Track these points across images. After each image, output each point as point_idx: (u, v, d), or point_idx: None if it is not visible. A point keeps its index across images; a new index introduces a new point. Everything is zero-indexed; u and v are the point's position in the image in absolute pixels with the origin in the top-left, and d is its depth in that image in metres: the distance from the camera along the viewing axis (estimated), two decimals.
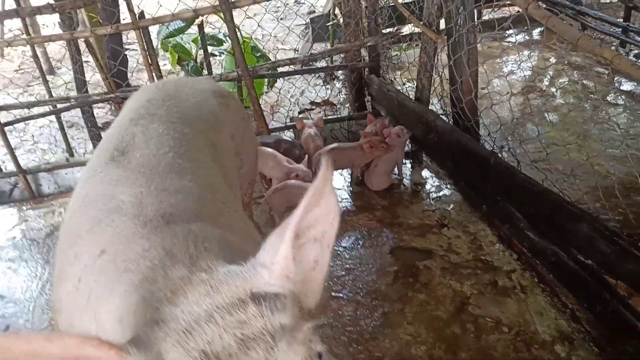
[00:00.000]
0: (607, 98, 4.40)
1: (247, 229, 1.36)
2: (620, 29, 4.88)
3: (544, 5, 4.40)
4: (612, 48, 4.88)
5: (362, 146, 3.28)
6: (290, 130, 4.11)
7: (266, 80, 4.52)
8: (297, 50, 6.36)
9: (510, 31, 5.94)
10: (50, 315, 2.65)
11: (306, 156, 3.45)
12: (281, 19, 5.18)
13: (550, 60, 5.31)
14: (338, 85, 5.40)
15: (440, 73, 3.38)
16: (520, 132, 3.81)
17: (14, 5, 3.66)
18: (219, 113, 1.79)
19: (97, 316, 0.97)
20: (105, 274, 1.01)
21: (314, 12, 7.39)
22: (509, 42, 5.92)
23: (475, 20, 2.99)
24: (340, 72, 5.26)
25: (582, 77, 4.77)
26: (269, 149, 3.23)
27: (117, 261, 1.01)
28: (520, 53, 5.50)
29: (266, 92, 4.97)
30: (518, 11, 5.92)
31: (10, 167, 3.85)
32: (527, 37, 5.93)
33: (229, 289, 0.81)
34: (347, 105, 4.71)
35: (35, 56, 3.90)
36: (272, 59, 4.32)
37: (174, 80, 2.06)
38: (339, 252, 2.88)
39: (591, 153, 3.41)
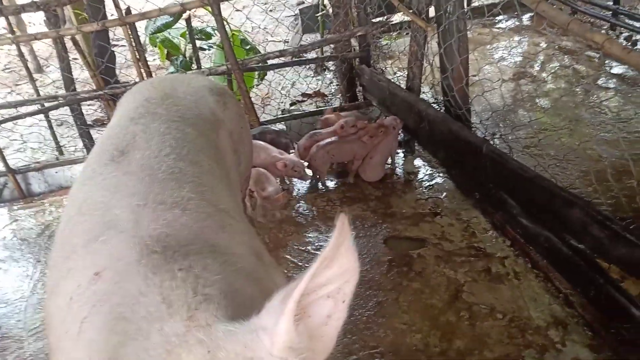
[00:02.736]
0: (598, 82, 4.39)
1: (250, 241, 1.29)
2: (610, 12, 4.86)
3: None
4: (602, 31, 4.88)
5: (360, 138, 3.27)
6: (282, 123, 4.09)
7: (256, 72, 4.49)
8: (287, 42, 6.32)
9: (500, 17, 5.92)
10: (42, 314, 2.64)
11: (295, 145, 3.45)
12: (270, 10, 5.14)
13: (541, 45, 5.30)
14: (329, 76, 5.37)
15: (431, 62, 3.36)
16: (512, 118, 3.81)
17: None
18: (218, 111, 1.75)
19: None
20: (99, 314, 0.95)
21: (302, 3, 7.34)
22: (499, 28, 5.90)
23: (465, 7, 2.96)
24: (331, 62, 5.23)
25: (573, 62, 4.76)
26: (261, 142, 3.21)
27: (112, 301, 0.95)
28: (511, 39, 5.48)
29: (256, 85, 4.94)
30: None
31: None
32: (517, 23, 5.91)
33: (227, 357, 0.76)
34: (339, 96, 4.69)
35: (21, 55, 3.84)
36: (262, 52, 4.28)
37: (169, 77, 2.01)
38: None
39: (583, 137, 3.40)
